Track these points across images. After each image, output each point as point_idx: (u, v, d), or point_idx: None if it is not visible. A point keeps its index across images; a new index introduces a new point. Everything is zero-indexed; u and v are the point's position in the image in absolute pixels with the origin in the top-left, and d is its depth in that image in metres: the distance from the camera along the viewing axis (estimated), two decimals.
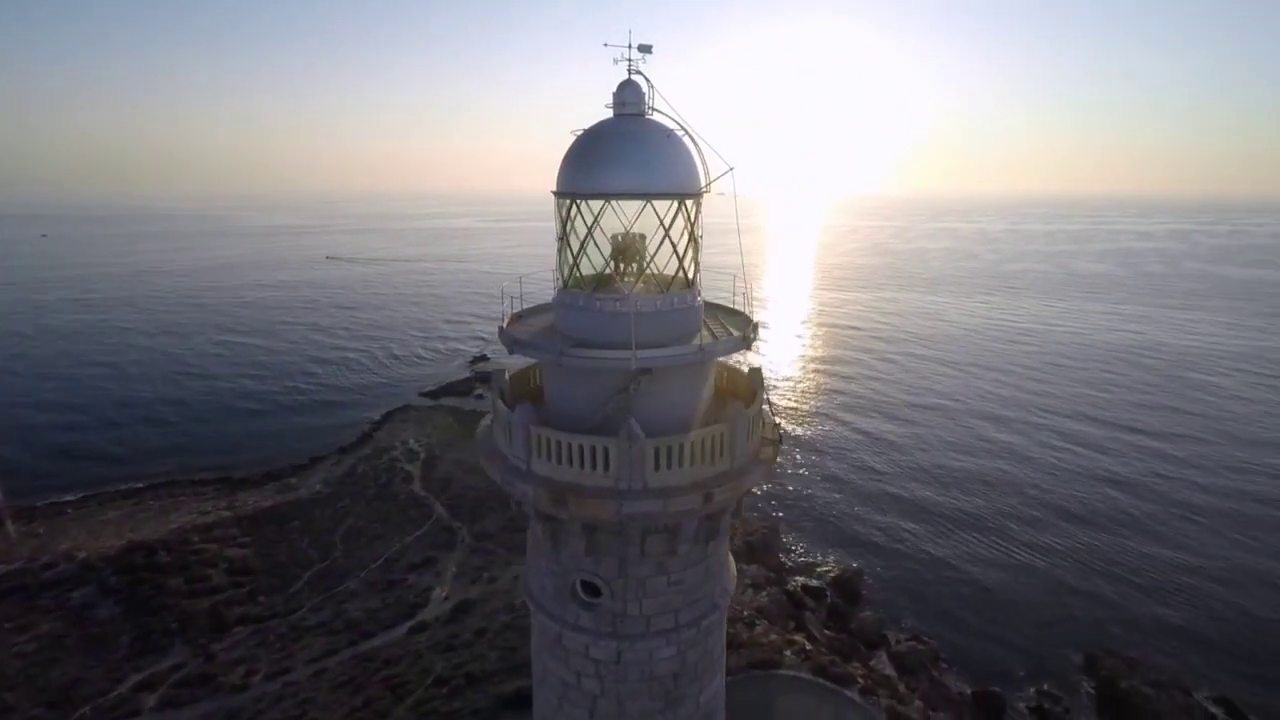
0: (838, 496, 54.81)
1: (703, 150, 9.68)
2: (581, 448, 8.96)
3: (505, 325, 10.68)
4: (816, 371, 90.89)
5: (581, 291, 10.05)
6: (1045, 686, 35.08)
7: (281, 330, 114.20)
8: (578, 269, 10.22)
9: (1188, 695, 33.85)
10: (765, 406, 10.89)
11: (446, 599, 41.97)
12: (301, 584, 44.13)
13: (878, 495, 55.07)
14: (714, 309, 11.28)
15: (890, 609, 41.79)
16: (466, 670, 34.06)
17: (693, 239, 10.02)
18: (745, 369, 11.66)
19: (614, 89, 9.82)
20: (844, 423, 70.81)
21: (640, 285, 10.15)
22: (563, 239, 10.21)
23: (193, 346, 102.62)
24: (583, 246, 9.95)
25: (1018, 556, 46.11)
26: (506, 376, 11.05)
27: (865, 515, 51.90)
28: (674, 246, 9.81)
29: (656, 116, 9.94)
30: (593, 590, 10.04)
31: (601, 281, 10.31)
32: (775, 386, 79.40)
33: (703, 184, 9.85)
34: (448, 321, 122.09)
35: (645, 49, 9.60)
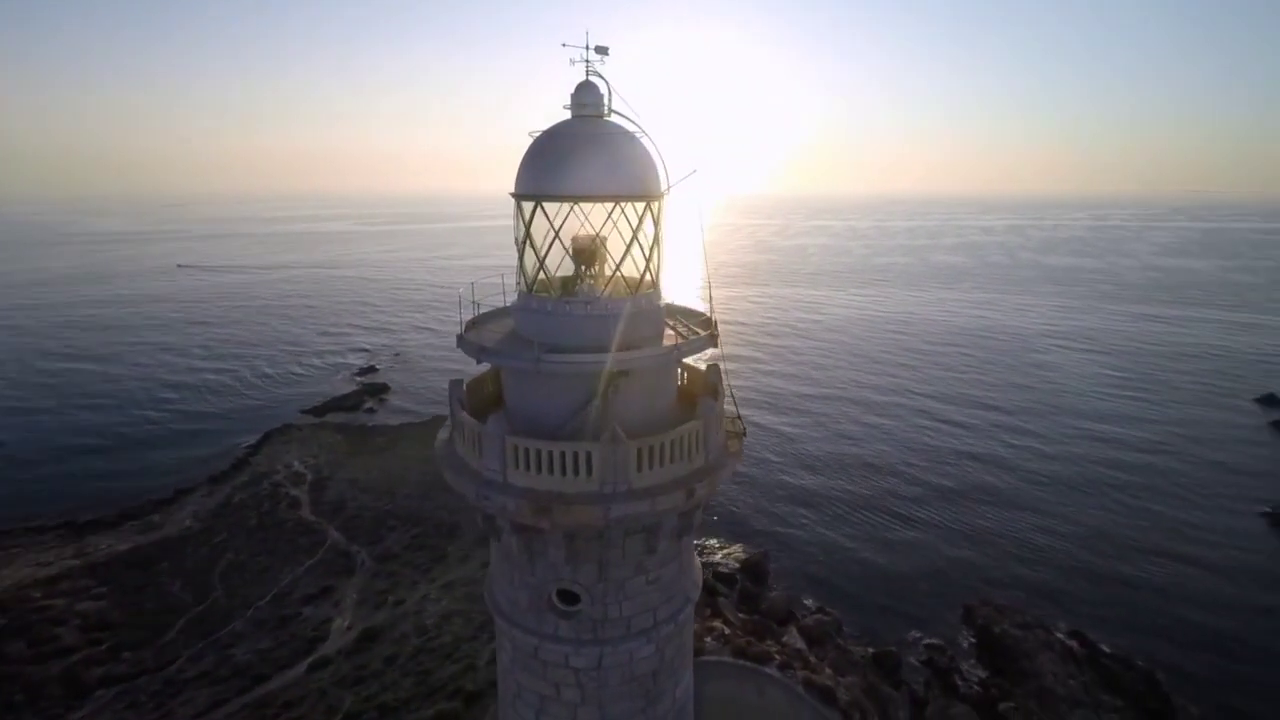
0: (736, 487, 56.97)
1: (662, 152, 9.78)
2: (564, 454, 8.78)
3: (463, 333, 10.23)
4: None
5: (550, 296, 9.85)
6: (932, 639, 38.67)
7: (124, 353, 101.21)
8: (544, 272, 10.00)
9: (1048, 632, 38.64)
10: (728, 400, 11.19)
11: (349, 629, 39.47)
12: (175, 632, 39.80)
13: (772, 484, 57.89)
14: (671, 309, 11.41)
15: (795, 587, 44.15)
16: (379, 701, 32.35)
17: (657, 241, 10.12)
18: (702, 366, 11.91)
19: (572, 90, 9.72)
20: None
21: (604, 288, 10.09)
22: (525, 242, 9.95)
23: (6, 377, 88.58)
24: (549, 250, 9.76)
25: (900, 530, 50.22)
26: (464, 386, 10.60)
27: (763, 503, 54.39)
28: (642, 248, 9.87)
29: (613, 118, 9.94)
30: (570, 598, 9.88)
31: (565, 285, 10.18)
32: None
33: (663, 186, 9.97)
34: (324, 334, 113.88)
35: (602, 50, 9.57)
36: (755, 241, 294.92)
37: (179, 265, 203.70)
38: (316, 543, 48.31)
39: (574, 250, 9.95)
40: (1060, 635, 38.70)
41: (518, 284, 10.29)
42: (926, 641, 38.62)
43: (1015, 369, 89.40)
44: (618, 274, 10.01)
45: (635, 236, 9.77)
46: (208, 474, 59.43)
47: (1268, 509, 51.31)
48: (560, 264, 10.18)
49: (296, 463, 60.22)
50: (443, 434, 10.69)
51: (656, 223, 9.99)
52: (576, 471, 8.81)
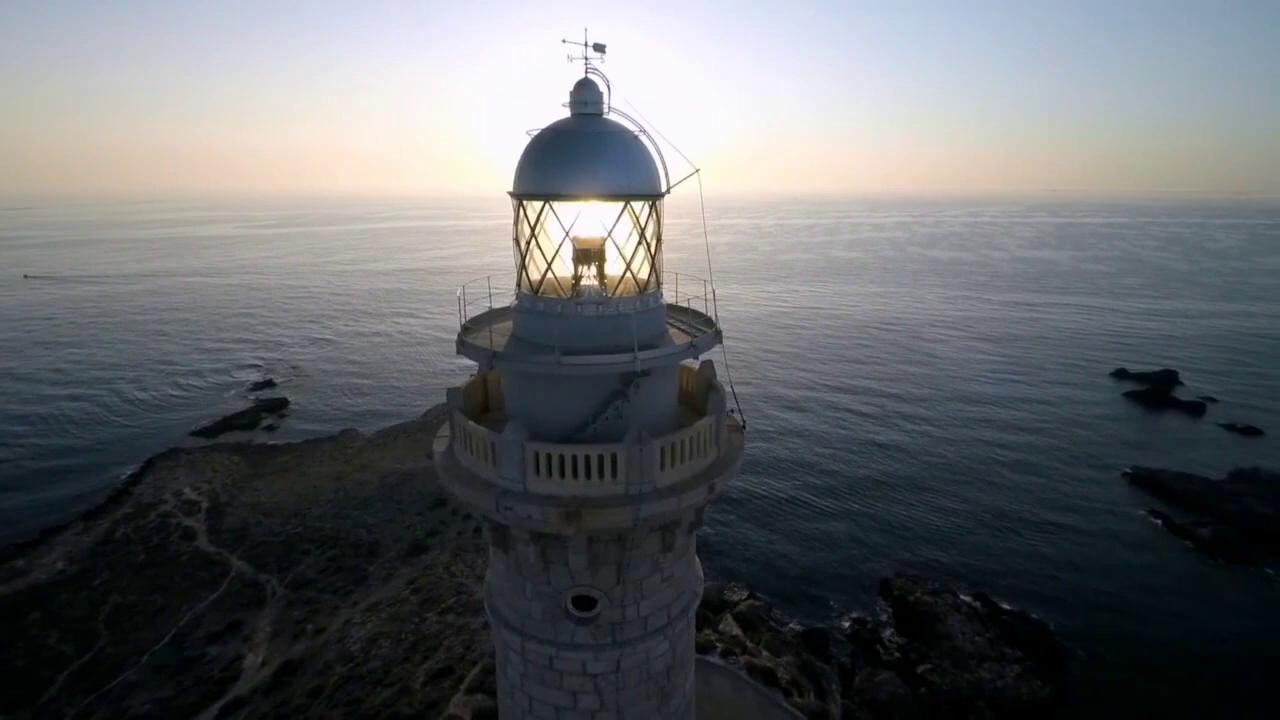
0: None
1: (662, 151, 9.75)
2: (588, 458, 8.59)
3: (465, 340, 9.73)
4: None
5: (559, 297, 9.58)
6: (855, 613, 40.96)
7: None
8: (552, 273, 9.72)
9: (955, 596, 41.99)
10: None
11: (264, 664, 36.54)
12: (56, 689, 35.31)
13: None
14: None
15: (725, 578, 45.26)
16: None
17: (659, 239, 10.10)
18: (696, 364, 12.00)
19: (571, 88, 9.51)
20: None
21: (605, 288, 9.95)
22: (529, 243, 9.63)
23: None
24: (558, 251, 9.50)
25: (816, 516, 52.76)
26: (461, 394, 10.11)
27: None
28: (647, 247, 9.81)
29: (612, 116, 9.81)
30: (585, 604, 9.68)
31: (569, 286, 9.93)
32: None
33: (663, 185, 9.95)
34: (204, 351, 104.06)
35: (600, 48, 9.41)
36: (665, 240, 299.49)
37: (26, 276, 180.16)
38: (218, 575, 44.34)
39: (579, 250, 9.76)
40: (966, 598, 42.06)
41: (519, 286, 9.94)
42: (850, 616, 40.88)
43: (909, 358, 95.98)
44: (613, 274, 9.92)
45: (643, 235, 9.72)
46: (80, 510, 52.88)
47: (1128, 469, 58.38)
48: (554, 264, 9.92)
49: (188, 490, 54.93)
50: (439, 445, 10.16)
51: (659, 221, 9.99)
52: (601, 474, 8.66)
